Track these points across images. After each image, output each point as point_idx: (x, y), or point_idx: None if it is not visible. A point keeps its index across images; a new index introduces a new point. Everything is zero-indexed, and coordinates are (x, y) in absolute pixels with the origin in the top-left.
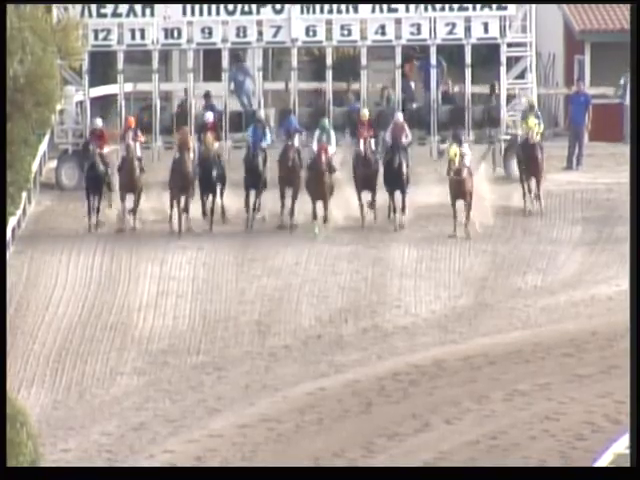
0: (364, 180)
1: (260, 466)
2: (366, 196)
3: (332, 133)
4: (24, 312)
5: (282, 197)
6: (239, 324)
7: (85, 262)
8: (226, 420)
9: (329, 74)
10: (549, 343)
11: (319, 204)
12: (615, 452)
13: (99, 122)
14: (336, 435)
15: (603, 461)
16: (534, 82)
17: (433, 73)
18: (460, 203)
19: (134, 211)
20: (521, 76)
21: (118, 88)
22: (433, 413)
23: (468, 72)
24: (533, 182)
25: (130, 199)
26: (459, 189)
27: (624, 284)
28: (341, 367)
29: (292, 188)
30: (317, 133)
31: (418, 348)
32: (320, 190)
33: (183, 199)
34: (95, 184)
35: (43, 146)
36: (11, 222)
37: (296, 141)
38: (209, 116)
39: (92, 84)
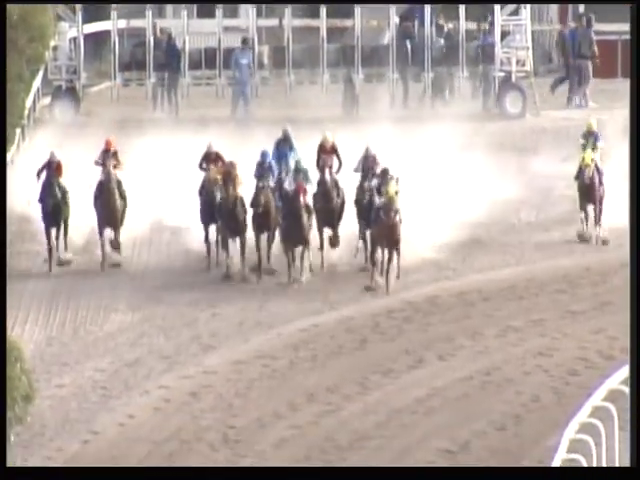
0: (325, 215)
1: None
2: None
3: (308, 172)
4: (18, 248)
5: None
6: (234, 263)
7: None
8: (220, 357)
9: (323, 11)
10: (542, 279)
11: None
12: (609, 388)
13: (55, 154)
14: (330, 371)
15: (596, 397)
16: (528, 19)
17: (427, 9)
18: None
19: (116, 245)
20: (515, 12)
21: (111, 25)
22: (427, 349)
23: (462, 9)
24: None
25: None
26: None
27: (617, 220)
28: (335, 304)
29: (267, 232)
30: (291, 174)
31: (412, 285)
32: (299, 236)
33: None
34: (54, 217)
35: (37, 82)
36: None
37: (270, 181)
38: (212, 145)
39: (85, 20)
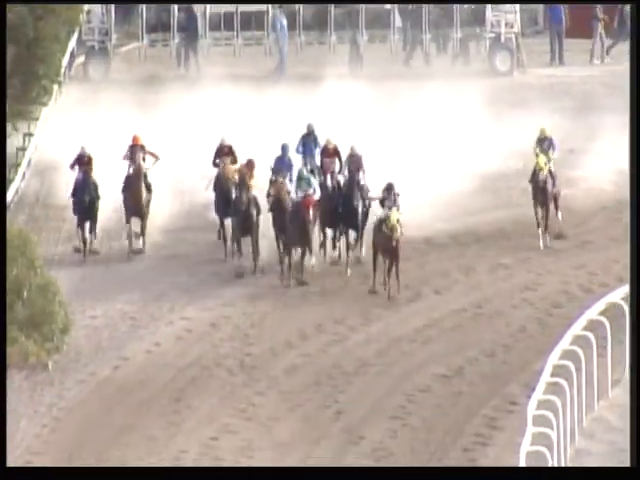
0: (330, 216)
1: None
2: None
3: (312, 180)
4: (55, 190)
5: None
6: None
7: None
8: (237, 291)
9: None
10: (529, 221)
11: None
12: (588, 319)
13: (86, 149)
14: (337, 304)
15: (577, 327)
16: None
17: None
18: None
19: (142, 234)
20: None
21: None
22: (424, 284)
23: None
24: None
25: (136, 222)
26: None
27: (597, 167)
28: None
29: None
30: (295, 182)
31: (410, 227)
32: (307, 242)
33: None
34: (87, 212)
35: (72, 43)
36: (44, 113)
37: (287, 177)
38: (225, 139)
39: None
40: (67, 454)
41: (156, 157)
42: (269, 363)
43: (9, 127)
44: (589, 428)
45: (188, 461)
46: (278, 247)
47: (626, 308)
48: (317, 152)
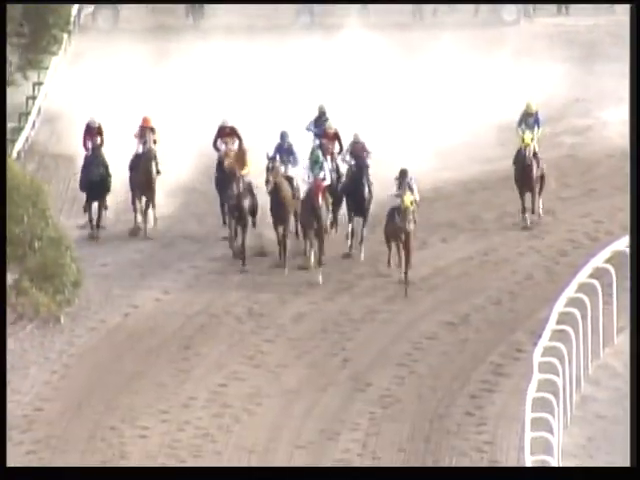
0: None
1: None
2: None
3: (325, 165)
4: (65, 139)
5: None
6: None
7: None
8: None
9: None
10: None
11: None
12: (594, 266)
13: (95, 119)
14: (346, 260)
15: (583, 274)
16: None
17: None
18: None
19: (145, 213)
20: None
21: None
22: (431, 233)
23: None
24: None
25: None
26: None
27: (603, 115)
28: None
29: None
30: (308, 163)
31: (418, 176)
32: (317, 232)
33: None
34: (97, 192)
35: None
36: (53, 62)
37: (290, 164)
38: (227, 121)
39: None
40: (77, 401)
41: (156, 141)
42: (277, 311)
43: (19, 77)
44: (594, 375)
45: (197, 408)
46: (275, 230)
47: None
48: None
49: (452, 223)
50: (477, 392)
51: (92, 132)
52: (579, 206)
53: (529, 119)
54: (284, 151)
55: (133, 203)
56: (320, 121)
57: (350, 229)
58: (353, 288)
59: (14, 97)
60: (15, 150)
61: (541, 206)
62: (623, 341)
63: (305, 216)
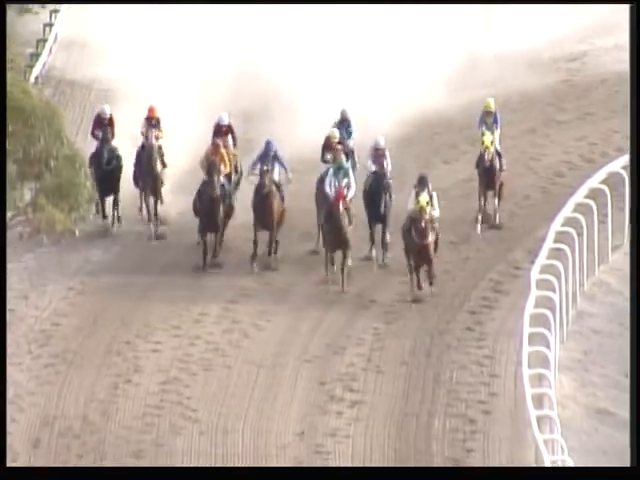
0: None
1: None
2: None
3: (351, 173)
4: (81, 67)
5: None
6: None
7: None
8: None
9: None
10: (533, 94)
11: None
12: (590, 187)
13: (107, 109)
14: None
15: (579, 195)
16: None
17: None
18: None
19: (155, 212)
20: None
21: None
22: (434, 155)
23: None
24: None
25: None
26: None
27: (598, 42)
28: None
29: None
30: (331, 172)
31: (422, 101)
32: (340, 242)
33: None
34: (108, 186)
35: None
36: None
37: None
38: (224, 117)
39: None
40: (92, 316)
41: (161, 135)
42: (285, 231)
43: (36, 5)
44: (590, 291)
45: (208, 323)
46: (254, 230)
47: (626, 177)
48: (351, 138)
49: (453, 145)
50: (477, 308)
51: (102, 122)
52: (575, 129)
53: (488, 118)
54: (269, 159)
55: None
56: (342, 125)
57: (370, 236)
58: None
59: (32, 24)
60: (33, 76)
61: (497, 207)
62: (617, 259)
63: (326, 227)
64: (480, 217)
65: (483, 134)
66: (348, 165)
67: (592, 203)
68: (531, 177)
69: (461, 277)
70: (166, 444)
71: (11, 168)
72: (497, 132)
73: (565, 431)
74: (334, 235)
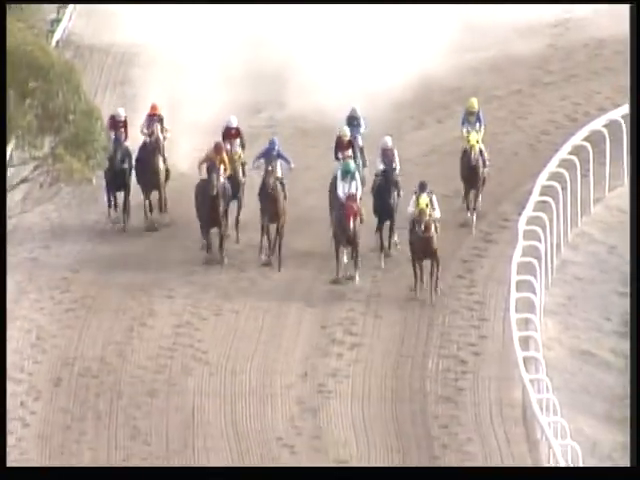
0: None
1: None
2: None
3: (357, 176)
4: (100, 32)
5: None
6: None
7: None
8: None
9: None
10: (520, 58)
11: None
12: (573, 144)
13: (121, 111)
14: None
15: (563, 151)
16: None
17: None
18: None
19: (161, 207)
20: None
21: None
22: (427, 115)
23: None
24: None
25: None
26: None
27: (579, 9)
28: None
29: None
30: (339, 175)
31: (413, 63)
32: (351, 244)
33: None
34: (119, 183)
35: None
36: None
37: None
38: (233, 121)
39: None
40: (110, 264)
41: (166, 132)
42: (290, 184)
43: None
44: (573, 241)
45: (217, 271)
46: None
47: (606, 134)
48: (360, 136)
49: (446, 106)
50: (468, 257)
51: (117, 124)
52: (559, 90)
53: (471, 117)
54: (272, 157)
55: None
56: (351, 123)
57: (379, 234)
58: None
59: None
60: (54, 40)
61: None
62: (599, 211)
63: (337, 234)
64: (469, 213)
65: (469, 133)
66: (355, 168)
67: (575, 159)
68: (518, 135)
69: (452, 227)
70: (178, 384)
71: (32, 123)
72: (481, 131)
73: (550, 371)
74: (345, 238)
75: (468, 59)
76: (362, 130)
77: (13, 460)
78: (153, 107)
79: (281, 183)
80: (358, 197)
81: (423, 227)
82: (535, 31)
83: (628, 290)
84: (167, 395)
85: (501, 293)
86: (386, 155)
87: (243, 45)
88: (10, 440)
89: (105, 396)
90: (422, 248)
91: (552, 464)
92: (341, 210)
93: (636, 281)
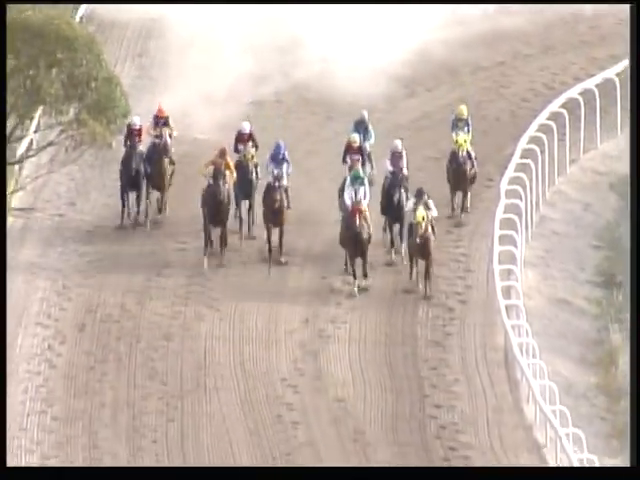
0: None
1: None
2: None
3: (366, 182)
4: (121, 9)
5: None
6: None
7: None
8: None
9: None
10: (508, 30)
11: (358, 261)
12: (551, 111)
13: (137, 120)
14: None
15: (542, 117)
16: None
17: None
18: None
19: (161, 206)
20: None
21: None
22: (417, 84)
23: None
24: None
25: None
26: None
27: None
28: None
29: (278, 228)
30: (348, 182)
31: (403, 37)
32: (359, 251)
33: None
34: (132, 183)
35: None
36: None
37: (284, 179)
38: (246, 126)
39: None
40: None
41: (172, 132)
42: (295, 146)
43: None
44: (551, 199)
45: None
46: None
47: (581, 101)
48: (369, 140)
49: (435, 76)
50: (455, 214)
51: (133, 133)
52: (538, 61)
53: (460, 123)
54: (279, 160)
55: (146, 197)
56: (360, 126)
57: (389, 232)
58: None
59: None
60: (78, 15)
61: (469, 205)
62: (574, 171)
63: (346, 238)
64: (452, 207)
65: (457, 134)
66: (363, 175)
67: (553, 124)
68: (501, 102)
69: (442, 187)
70: (191, 329)
71: (59, 91)
72: (469, 136)
73: (530, 318)
74: (353, 243)
75: (456, 32)
76: (371, 141)
77: (42, 398)
78: (159, 110)
79: (286, 191)
80: (366, 203)
81: (420, 238)
82: (517, 8)
83: (601, 244)
84: (181, 339)
85: (485, 246)
86: (395, 157)
87: (253, 19)
88: (38, 380)
89: (125, 340)
90: (419, 252)
91: (531, 403)
92: (347, 214)
93: (636, 275)
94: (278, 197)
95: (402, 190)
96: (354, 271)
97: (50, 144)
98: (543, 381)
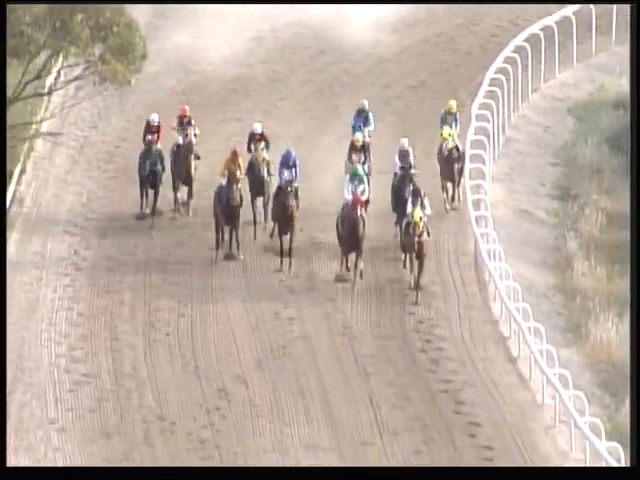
0: None
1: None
2: None
3: (365, 180)
4: None
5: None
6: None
7: None
8: None
9: None
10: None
11: (353, 256)
12: (515, 44)
13: (155, 117)
14: None
15: (507, 50)
16: None
17: None
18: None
19: (189, 199)
20: None
21: None
22: (405, 52)
23: None
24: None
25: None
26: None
27: None
28: None
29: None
30: (347, 178)
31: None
32: (355, 244)
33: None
34: (152, 182)
35: None
36: None
37: (294, 182)
38: (257, 127)
39: None
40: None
41: (197, 134)
42: (289, 76)
43: None
44: (515, 122)
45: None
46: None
47: (542, 36)
48: (368, 130)
49: (416, 18)
50: (431, 135)
51: (151, 129)
52: (506, 6)
53: (449, 117)
54: (288, 167)
55: (175, 190)
56: (360, 116)
57: (399, 227)
58: (342, 62)
59: None
60: None
61: (460, 196)
62: (536, 98)
63: (343, 232)
64: (448, 203)
65: (442, 128)
66: (362, 173)
67: (517, 56)
68: (472, 38)
69: (421, 114)
70: (201, 238)
71: (87, 33)
72: (457, 129)
73: (497, 227)
74: (350, 237)
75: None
76: (371, 129)
77: (69, 297)
78: (183, 110)
79: (296, 193)
80: (364, 198)
81: (417, 244)
82: None
83: (559, 161)
84: (192, 247)
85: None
86: (402, 155)
87: None
88: (65, 280)
89: (142, 246)
90: (413, 251)
91: (498, 301)
92: (345, 209)
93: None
94: (289, 203)
95: (411, 187)
96: (347, 268)
97: (76, 78)
98: (508, 282)
